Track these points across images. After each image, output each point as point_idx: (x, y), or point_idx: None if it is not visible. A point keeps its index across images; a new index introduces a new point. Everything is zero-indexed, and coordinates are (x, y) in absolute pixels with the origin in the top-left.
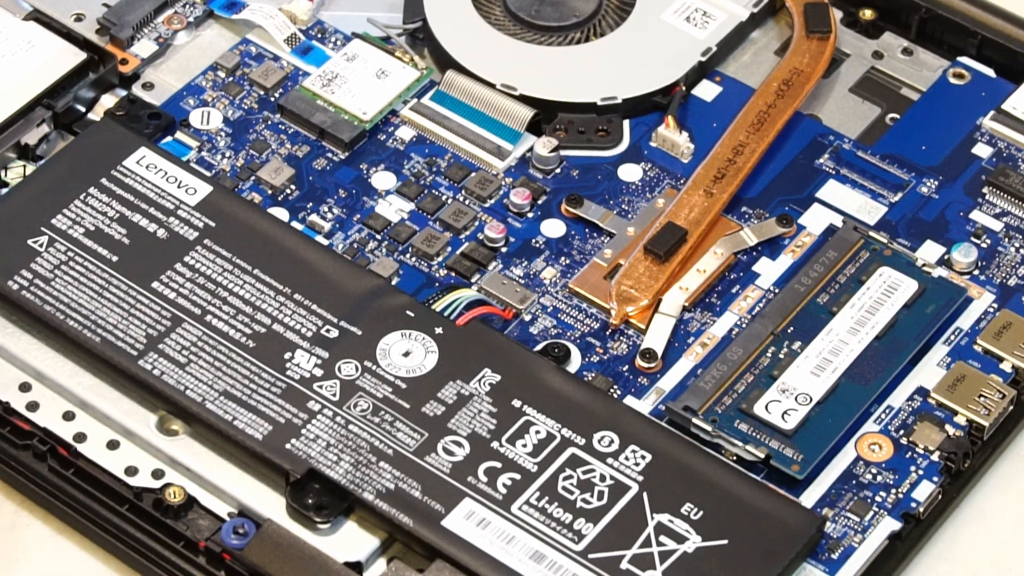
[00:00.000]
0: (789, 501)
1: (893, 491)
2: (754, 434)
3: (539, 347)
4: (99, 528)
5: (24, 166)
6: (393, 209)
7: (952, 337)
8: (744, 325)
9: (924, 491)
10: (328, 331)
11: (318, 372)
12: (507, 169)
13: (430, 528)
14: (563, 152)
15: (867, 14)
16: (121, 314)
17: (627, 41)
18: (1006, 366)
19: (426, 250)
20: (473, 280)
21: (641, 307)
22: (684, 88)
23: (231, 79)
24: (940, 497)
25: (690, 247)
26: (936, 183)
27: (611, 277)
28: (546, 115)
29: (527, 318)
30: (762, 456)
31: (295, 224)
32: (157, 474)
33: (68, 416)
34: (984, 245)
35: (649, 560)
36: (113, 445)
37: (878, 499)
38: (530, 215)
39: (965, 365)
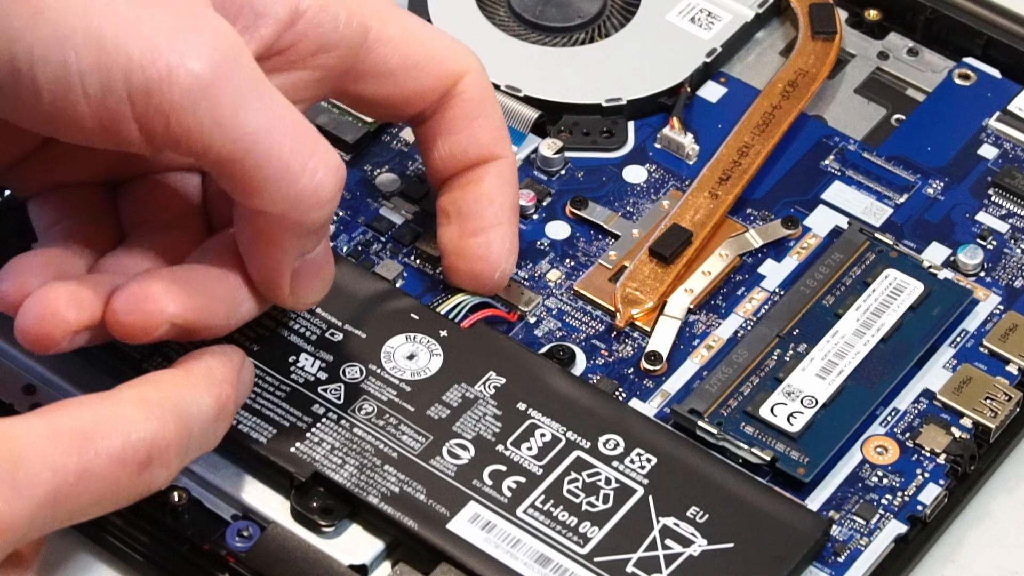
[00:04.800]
0: (795, 504)
1: (899, 494)
2: (760, 437)
3: (544, 350)
4: (102, 530)
5: None
6: (397, 211)
7: (958, 339)
8: (749, 327)
9: (930, 494)
10: (332, 334)
11: (322, 375)
12: None
13: (435, 531)
14: (567, 154)
15: (872, 14)
16: None
17: (632, 42)
18: (1012, 368)
19: (431, 252)
20: None
21: (646, 309)
22: (689, 89)
23: None
24: (946, 500)
25: (695, 249)
26: (942, 184)
27: (616, 279)
28: (550, 116)
29: (532, 320)
30: (768, 459)
31: None
32: None
33: None
34: (990, 247)
35: (655, 563)
36: None
37: (884, 502)
38: (535, 217)
39: (971, 367)
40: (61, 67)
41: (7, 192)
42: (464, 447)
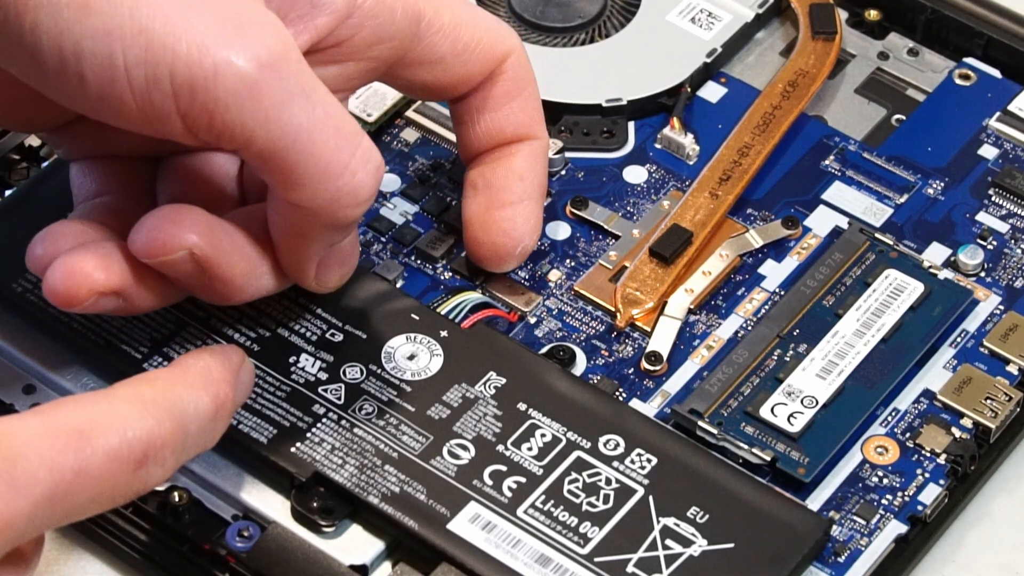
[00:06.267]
0: (795, 504)
1: (899, 494)
2: (760, 437)
3: (544, 350)
4: (102, 530)
5: (28, 168)
6: (398, 211)
7: (958, 339)
8: (750, 328)
9: (930, 494)
10: (333, 335)
11: (323, 376)
12: None
13: (435, 531)
14: (568, 154)
15: (872, 15)
16: (125, 317)
17: (632, 42)
18: (1012, 368)
19: (431, 252)
20: (478, 283)
21: (646, 310)
22: (689, 89)
23: None
24: (947, 500)
25: (695, 249)
26: (942, 185)
27: (616, 279)
28: (551, 117)
29: (532, 321)
30: (768, 459)
31: None
32: None
33: None
34: (990, 247)
35: (655, 564)
36: None
37: (884, 502)
38: None
39: (971, 367)
40: (107, 60)
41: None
42: (464, 447)
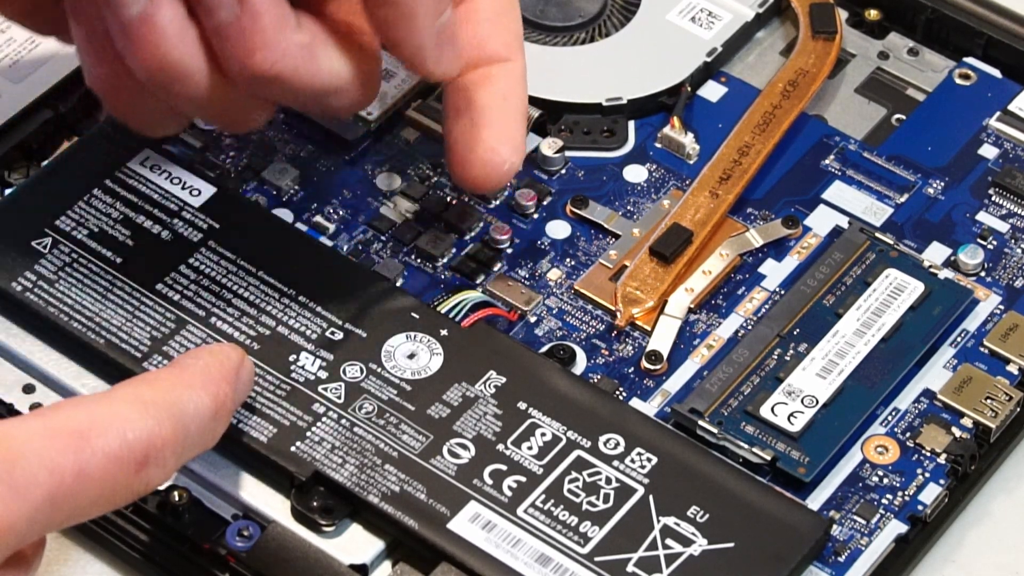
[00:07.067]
0: (795, 504)
1: (900, 494)
2: (760, 436)
3: (544, 349)
4: (103, 530)
5: (28, 167)
6: (398, 210)
7: (959, 339)
8: (750, 327)
9: (931, 494)
10: (333, 333)
11: (323, 374)
12: None
13: (435, 531)
14: (568, 153)
15: (873, 14)
16: (125, 316)
17: (632, 42)
18: (1013, 368)
19: (431, 251)
20: (478, 282)
21: (646, 309)
22: (689, 89)
23: None
24: (947, 500)
25: (696, 249)
26: (942, 184)
27: (616, 279)
28: (551, 116)
29: (532, 320)
30: (768, 458)
31: (299, 225)
32: None
33: None
34: (990, 247)
35: (655, 563)
36: None
37: (884, 502)
38: (535, 216)
39: (972, 367)
40: None
41: None
42: (464, 446)
